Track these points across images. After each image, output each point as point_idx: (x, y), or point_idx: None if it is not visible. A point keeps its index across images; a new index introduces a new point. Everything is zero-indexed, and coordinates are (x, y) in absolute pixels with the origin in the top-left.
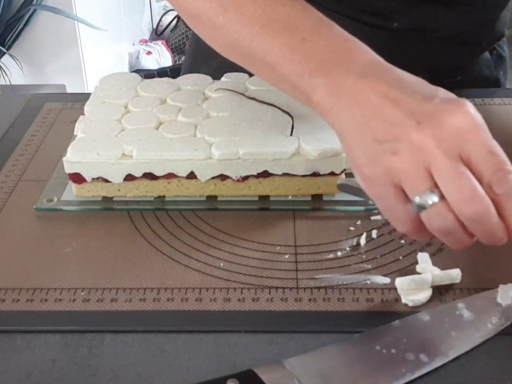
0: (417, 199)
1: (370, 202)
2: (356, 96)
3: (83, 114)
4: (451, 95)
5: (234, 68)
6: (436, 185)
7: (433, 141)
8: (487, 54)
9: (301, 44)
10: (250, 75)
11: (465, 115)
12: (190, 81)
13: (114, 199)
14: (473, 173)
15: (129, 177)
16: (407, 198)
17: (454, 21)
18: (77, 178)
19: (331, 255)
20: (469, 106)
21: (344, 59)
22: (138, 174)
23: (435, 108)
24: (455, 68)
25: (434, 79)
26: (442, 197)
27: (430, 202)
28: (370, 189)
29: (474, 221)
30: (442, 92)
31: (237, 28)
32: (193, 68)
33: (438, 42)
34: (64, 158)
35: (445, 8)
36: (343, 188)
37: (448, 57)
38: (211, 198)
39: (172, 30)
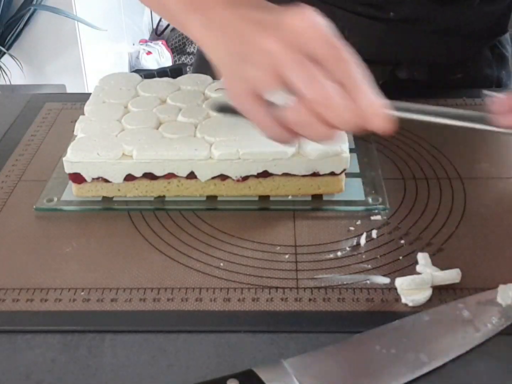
0: (272, 100)
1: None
2: (222, 23)
3: (83, 114)
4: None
5: None
6: (287, 84)
7: (276, 43)
8: (487, 52)
9: None
10: None
11: (303, 17)
12: (190, 81)
13: (114, 199)
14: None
15: (129, 177)
16: (266, 103)
17: (451, 13)
18: (77, 178)
19: (331, 255)
20: (309, 10)
21: None
22: (138, 174)
23: (278, 16)
24: (455, 65)
25: (435, 76)
26: (294, 94)
27: (282, 101)
28: (235, 102)
29: (322, 105)
30: (292, 7)
31: None
32: (200, 68)
33: (435, 34)
34: (64, 158)
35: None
36: (217, 108)
37: (446, 51)
38: (211, 198)
39: (172, 30)
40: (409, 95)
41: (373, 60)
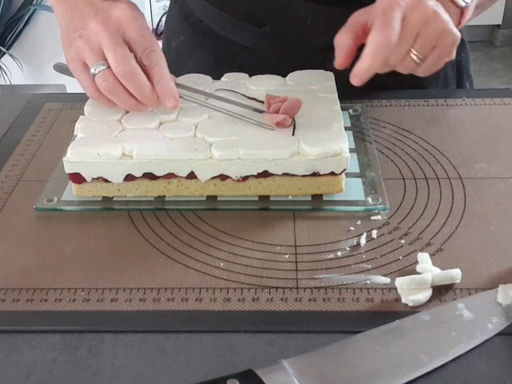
0: (92, 69)
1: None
2: (72, 4)
3: (83, 114)
4: None
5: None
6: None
7: (102, 26)
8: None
9: None
10: (250, 75)
11: (123, 10)
12: (190, 81)
13: (114, 199)
14: (132, 52)
15: (129, 177)
16: (89, 70)
17: None
18: (77, 178)
19: (331, 255)
20: (130, 5)
21: None
22: (138, 174)
23: (110, 4)
24: None
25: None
26: (108, 66)
27: (98, 69)
28: (69, 65)
29: (126, 79)
30: None
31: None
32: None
33: None
34: (64, 158)
35: None
36: (57, 68)
37: None
38: (211, 198)
39: None
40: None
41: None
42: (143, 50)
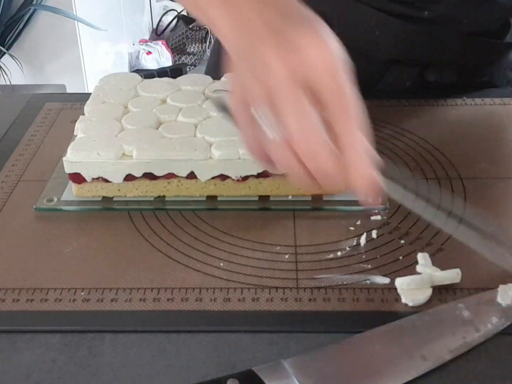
0: (269, 133)
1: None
2: (245, 24)
3: (83, 114)
4: (318, 21)
5: None
6: (275, 110)
7: (282, 66)
8: (510, 55)
9: None
10: None
11: (320, 47)
12: (190, 81)
13: (114, 199)
14: (320, 110)
15: (129, 177)
16: (253, 116)
17: (485, 14)
18: (77, 178)
19: (331, 255)
20: (329, 38)
21: None
22: (138, 174)
23: (297, 34)
24: (482, 68)
25: (462, 78)
26: (284, 131)
27: (274, 135)
28: (229, 100)
29: (308, 159)
30: (311, 17)
31: None
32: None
33: (467, 36)
34: (64, 158)
35: (476, 0)
36: (216, 103)
37: (476, 52)
38: (211, 198)
39: (172, 30)
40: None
41: (402, 61)
42: (333, 104)
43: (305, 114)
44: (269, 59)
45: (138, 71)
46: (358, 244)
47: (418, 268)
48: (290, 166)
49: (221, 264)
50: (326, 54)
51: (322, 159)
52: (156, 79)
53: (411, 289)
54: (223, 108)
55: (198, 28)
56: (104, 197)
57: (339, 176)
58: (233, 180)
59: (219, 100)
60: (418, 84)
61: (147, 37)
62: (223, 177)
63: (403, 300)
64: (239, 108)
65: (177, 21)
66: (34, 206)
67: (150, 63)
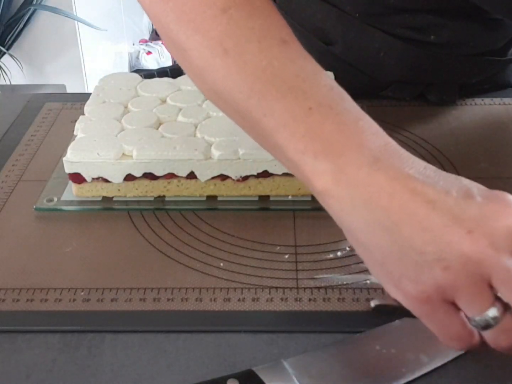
0: (478, 318)
1: None
2: (375, 193)
3: (83, 114)
4: (483, 188)
5: None
6: (497, 298)
7: (491, 250)
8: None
9: (307, 116)
10: None
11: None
12: (190, 81)
13: (114, 199)
14: None
15: (129, 177)
16: (460, 312)
17: (491, 35)
18: (77, 178)
19: (331, 255)
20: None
21: (355, 143)
22: (138, 174)
23: (481, 210)
24: (484, 79)
25: (463, 91)
26: (505, 311)
27: (493, 319)
28: (415, 307)
29: None
30: (473, 186)
31: (235, 78)
32: None
33: (472, 57)
34: (64, 158)
35: (482, 24)
36: (378, 308)
37: (480, 71)
38: (211, 198)
39: None
40: None
41: (404, 81)
42: None
43: None
44: (471, 252)
45: (138, 71)
46: None
47: None
48: None
49: (221, 264)
50: None
51: None
52: (156, 79)
53: None
54: (393, 310)
55: None
56: (104, 197)
57: None
58: (233, 180)
59: (382, 305)
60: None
61: (147, 37)
62: (223, 177)
63: None
64: (440, 312)
65: None
66: (34, 206)
67: (150, 63)
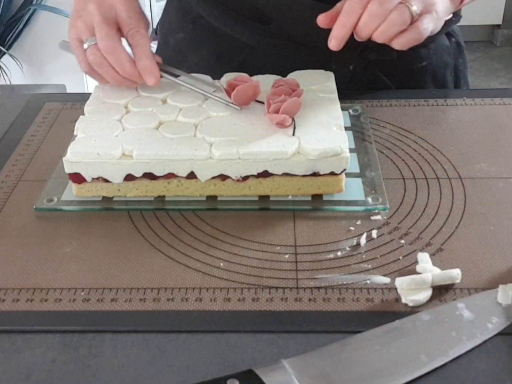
0: (85, 45)
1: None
2: None
3: (83, 114)
4: None
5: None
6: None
7: (96, 6)
8: (446, 41)
9: None
10: (251, 73)
11: None
12: (190, 81)
13: (114, 199)
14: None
15: (129, 177)
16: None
17: None
18: (77, 178)
19: (331, 255)
20: None
21: None
22: (138, 174)
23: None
24: (420, 54)
25: (401, 64)
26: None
27: (88, 44)
28: (71, 44)
29: (108, 54)
30: None
31: None
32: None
33: None
34: (64, 158)
35: None
36: (63, 46)
37: None
38: (211, 198)
39: None
40: (396, 96)
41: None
42: (128, 29)
43: (105, 25)
44: (89, 6)
45: None
46: (358, 244)
47: (418, 268)
48: (100, 63)
49: (221, 264)
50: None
51: (117, 53)
52: None
53: (411, 289)
54: (67, 48)
55: None
56: (104, 197)
57: (133, 71)
58: (233, 180)
59: (64, 43)
60: (362, 66)
61: None
62: (223, 177)
63: (403, 300)
64: (76, 44)
65: None
66: (34, 206)
67: None
